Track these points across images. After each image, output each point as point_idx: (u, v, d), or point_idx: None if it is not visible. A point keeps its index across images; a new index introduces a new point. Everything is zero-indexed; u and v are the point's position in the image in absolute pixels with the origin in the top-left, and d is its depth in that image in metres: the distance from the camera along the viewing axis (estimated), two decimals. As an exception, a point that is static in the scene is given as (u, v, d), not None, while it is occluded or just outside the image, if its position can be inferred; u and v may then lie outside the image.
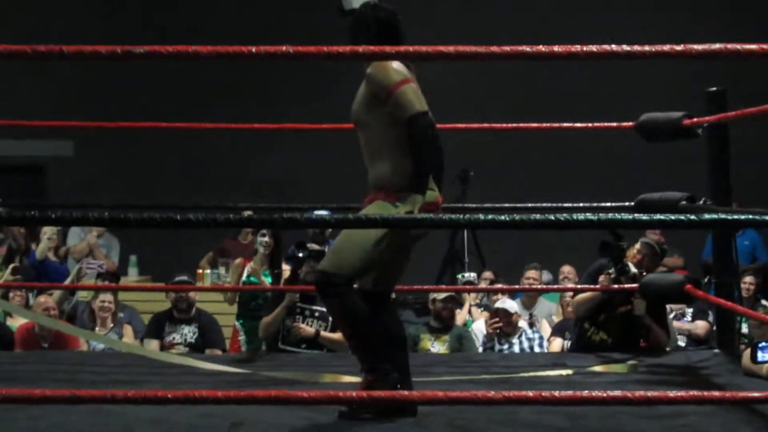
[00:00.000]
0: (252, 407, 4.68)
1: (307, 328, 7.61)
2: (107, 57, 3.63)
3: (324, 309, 7.61)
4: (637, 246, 7.33)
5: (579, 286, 7.41)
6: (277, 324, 7.63)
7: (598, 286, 7.15)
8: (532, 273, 10.06)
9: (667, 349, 7.37)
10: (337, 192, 8.77)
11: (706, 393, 4.26)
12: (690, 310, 9.35)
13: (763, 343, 4.67)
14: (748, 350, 6.04)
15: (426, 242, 11.50)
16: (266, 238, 8.35)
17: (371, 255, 4.73)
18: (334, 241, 4.89)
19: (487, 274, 10.58)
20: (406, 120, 4.74)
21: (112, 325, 8.65)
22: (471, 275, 10.61)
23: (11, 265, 9.63)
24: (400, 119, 4.76)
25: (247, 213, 7.56)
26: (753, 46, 3.63)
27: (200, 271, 11.25)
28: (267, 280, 8.26)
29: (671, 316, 8.66)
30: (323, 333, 7.64)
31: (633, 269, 7.02)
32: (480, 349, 8.65)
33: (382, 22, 5.00)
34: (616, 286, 7.02)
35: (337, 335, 7.63)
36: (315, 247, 7.85)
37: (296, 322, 7.64)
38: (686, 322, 9.27)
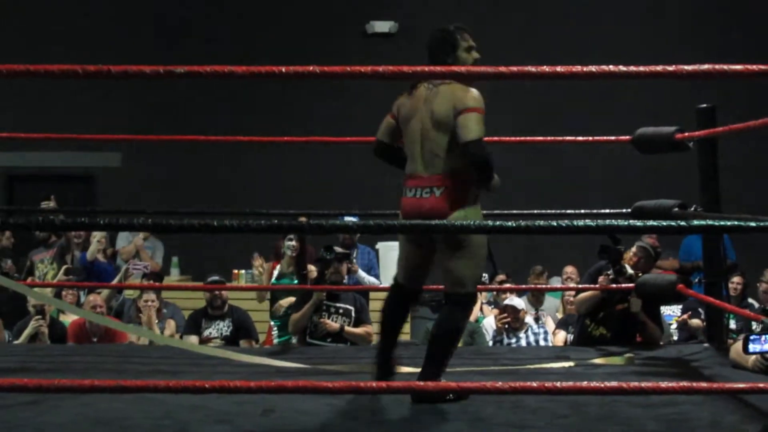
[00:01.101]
0: (284, 395, 4.70)
1: (333, 324, 7.66)
2: (151, 76, 3.64)
3: (347, 306, 7.69)
4: (633, 249, 7.33)
5: (581, 286, 7.40)
6: (306, 320, 7.67)
7: (598, 286, 7.15)
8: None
9: (661, 343, 7.36)
10: (363, 200, 8.82)
11: (695, 384, 4.25)
12: (680, 307, 9.35)
13: (754, 335, 4.63)
14: (736, 344, 6.03)
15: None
16: (293, 242, 8.47)
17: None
18: (455, 262, 4.91)
19: (500, 277, 10.59)
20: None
21: (157, 320, 8.68)
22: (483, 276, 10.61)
23: (64, 266, 9.66)
24: None
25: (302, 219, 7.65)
26: (739, 67, 3.62)
27: (235, 271, 11.28)
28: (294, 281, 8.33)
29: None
30: (347, 328, 7.70)
31: (629, 270, 7.03)
32: (490, 343, 8.67)
33: None
34: (614, 285, 7.02)
35: (359, 330, 7.72)
36: (340, 250, 7.90)
37: (323, 318, 7.67)
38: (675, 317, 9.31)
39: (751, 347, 4.54)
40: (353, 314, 7.77)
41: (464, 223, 4.58)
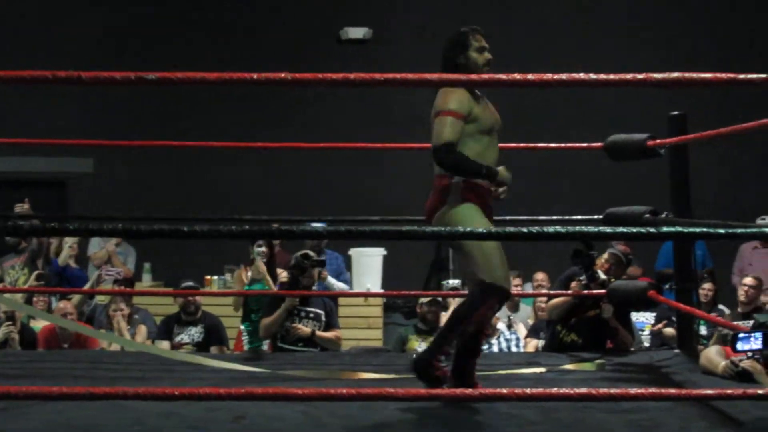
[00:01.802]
0: (254, 402, 4.70)
1: (304, 328, 7.67)
2: (122, 82, 3.65)
3: (317, 310, 7.71)
4: (605, 256, 7.36)
5: (553, 292, 7.43)
6: (278, 325, 7.67)
7: (570, 292, 7.17)
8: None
9: (632, 349, 7.39)
10: (335, 205, 8.85)
11: (664, 390, 4.28)
12: (653, 315, 9.39)
13: (743, 334, 4.65)
14: (706, 350, 6.06)
15: (414, 251, 11.54)
16: (263, 249, 8.48)
17: None
18: (465, 262, 4.95)
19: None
20: None
21: (128, 326, 8.65)
22: (455, 281, 10.63)
23: (35, 272, 9.62)
24: None
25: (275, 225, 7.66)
26: (708, 75, 3.66)
27: (207, 277, 11.26)
28: (273, 285, 8.31)
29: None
30: (318, 332, 7.71)
31: (602, 276, 7.06)
32: (462, 349, 8.66)
33: None
34: (586, 291, 7.04)
35: (330, 334, 7.76)
36: (316, 257, 7.92)
37: (294, 323, 7.68)
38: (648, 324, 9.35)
39: (740, 346, 4.56)
40: (323, 318, 7.80)
41: (418, 229, 4.58)
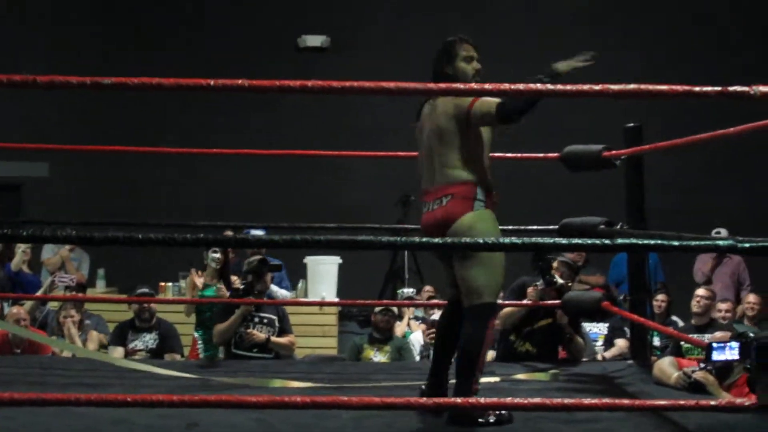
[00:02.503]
0: (207, 409, 4.68)
1: (260, 335, 7.63)
2: (77, 86, 3.61)
3: (271, 316, 7.68)
4: (555, 264, 7.37)
5: (509, 303, 7.42)
6: (232, 331, 7.63)
7: (526, 301, 7.16)
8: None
9: (584, 359, 7.42)
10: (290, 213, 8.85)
11: (618, 401, 4.29)
12: (606, 325, 9.43)
13: (718, 344, 4.63)
14: (659, 361, 6.09)
15: (369, 260, 11.52)
16: (218, 255, 8.43)
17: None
18: (468, 271, 4.83)
19: (428, 288, 10.62)
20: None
21: (79, 332, 8.59)
22: (410, 290, 10.65)
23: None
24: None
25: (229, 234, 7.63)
26: (663, 87, 3.68)
27: (162, 283, 11.20)
28: (226, 293, 8.27)
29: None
30: (273, 338, 7.67)
31: (560, 280, 7.06)
32: (417, 358, 8.67)
33: None
34: (542, 300, 7.04)
35: (284, 340, 7.74)
36: (273, 262, 7.90)
37: (249, 329, 7.64)
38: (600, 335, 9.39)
39: (715, 356, 4.54)
40: (277, 324, 7.77)
41: (407, 240, 4.57)
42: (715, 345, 4.56)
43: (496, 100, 4.83)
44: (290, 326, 7.91)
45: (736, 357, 4.50)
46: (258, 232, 8.70)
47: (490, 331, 4.88)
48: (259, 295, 7.72)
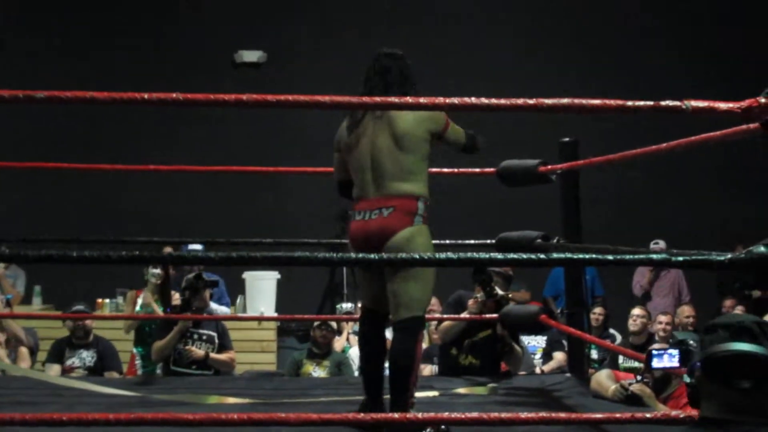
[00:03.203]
0: (146, 428, 4.64)
1: (198, 351, 7.60)
2: (10, 101, 3.58)
3: (210, 332, 7.64)
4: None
5: (449, 317, 7.43)
6: (170, 347, 7.58)
7: (465, 314, 7.16)
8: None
9: (522, 372, 7.43)
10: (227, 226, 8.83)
11: (554, 414, 4.29)
12: (545, 338, 9.47)
13: (657, 351, 4.62)
14: (597, 374, 6.12)
15: (308, 275, 11.50)
16: (158, 271, 8.36)
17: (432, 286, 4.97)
18: (401, 284, 4.85)
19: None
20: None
21: (6, 351, 8.50)
22: (349, 305, 10.65)
23: None
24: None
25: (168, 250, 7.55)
26: (597, 102, 3.70)
27: (99, 300, 11.12)
28: (159, 309, 8.21)
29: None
30: (212, 355, 7.64)
31: (500, 292, 7.07)
32: (356, 373, 8.66)
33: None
34: (482, 313, 7.04)
35: (224, 356, 7.71)
36: (209, 278, 7.83)
37: (187, 345, 7.60)
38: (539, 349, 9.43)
39: (655, 363, 4.54)
40: (216, 340, 7.73)
41: (343, 256, 4.59)
42: (654, 352, 4.55)
43: (463, 130, 5.19)
44: (230, 342, 7.88)
45: (676, 364, 4.51)
46: (196, 247, 8.67)
47: (419, 344, 4.92)
48: (198, 311, 7.67)
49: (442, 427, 4.73)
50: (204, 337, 7.69)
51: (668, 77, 13.20)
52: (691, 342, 6.36)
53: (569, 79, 13.20)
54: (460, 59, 13.89)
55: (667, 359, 4.50)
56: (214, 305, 9.18)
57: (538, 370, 9.10)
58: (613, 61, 13.97)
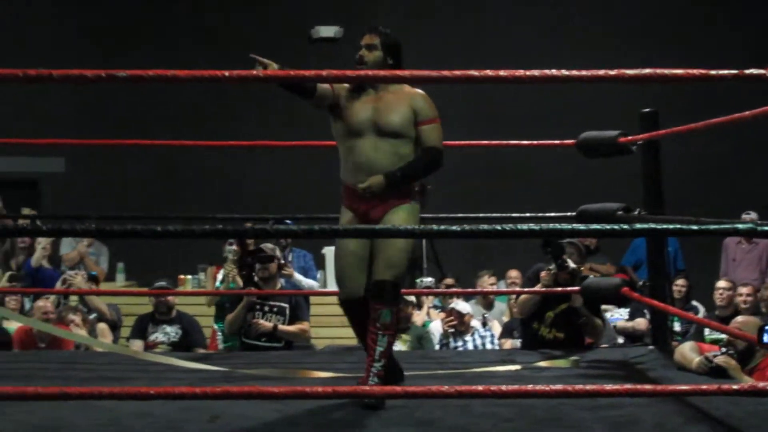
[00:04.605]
0: (228, 401, 4.69)
1: (266, 324, 7.61)
2: (92, 80, 3.62)
3: (281, 304, 7.67)
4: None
5: (526, 290, 7.40)
6: (239, 321, 7.63)
7: (537, 288, 7.13)
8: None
9: (604, 345, 7.39)
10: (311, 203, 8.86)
11: (639, 386, 4.27)
12: (627, 310, 9.39)
13: None
14: (681, 346, 6.07)
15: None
16: (234, 247, 8.41)
17: (408, 258, 5.06)
18: (383, 251, 4.96)
19: (448, 281, 10.63)
20: (428, 148, 5.07)
21: (86, 329, 8.62)
22: (429, 279, 10.64)
23: (8, 273, 9.59)
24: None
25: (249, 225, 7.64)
26: (680, 71, 3.66)
27: (181, 276, 11.23)
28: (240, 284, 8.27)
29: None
30: (280, 326, 7.65)
31: (572, 264, 7.03)
32: (437, 347, 8.67)
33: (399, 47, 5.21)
34: (558, 284, 7.00)
35: (293, 328, 7.70)
36: (267, 253, 7.87)
37: (255, 318, 7.63)
38: (623, 321, 9.33)
39: (767, 338, 4.49)
40: (287, 312, 7.72)
41: (407, 228, 4.59)
42: (766, 327, 4.50)
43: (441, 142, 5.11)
44: (305, 314, 7.86)
45: None
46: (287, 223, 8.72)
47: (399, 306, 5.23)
48: (266, 282, 7.73)
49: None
50: (275, 309, 7.71)
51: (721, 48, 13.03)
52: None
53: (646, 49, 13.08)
54: (537, 31, 13.81)
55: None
56: (298, 276, 9.21)
57: (620, 340, 9.03)
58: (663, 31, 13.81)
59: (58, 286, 9.40)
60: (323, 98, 5.00)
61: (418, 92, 5.10)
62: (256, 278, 7.77)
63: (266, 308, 7.71)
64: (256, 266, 7.77)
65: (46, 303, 8.61)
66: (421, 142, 5.07)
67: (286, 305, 7.73)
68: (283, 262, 8.38)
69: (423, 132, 5.05)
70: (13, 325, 8.57)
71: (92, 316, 9.03)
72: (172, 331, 8.58)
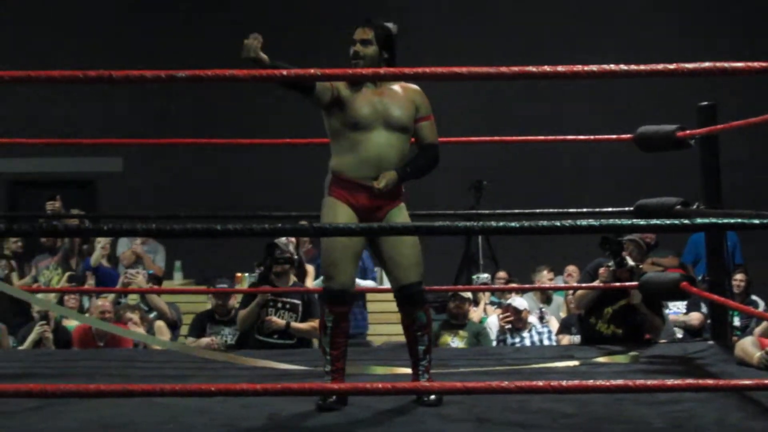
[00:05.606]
0: (289, 399, 4.71)
1: (278, 321, 7.60)
2: (152, 80, 3.66)
3: (294, 301, 7.71)
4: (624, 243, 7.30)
5: (584, 285, 7.38)
6: (253, 317, 7.66)
7: (595, 283, 7.11)
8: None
9: (663, 340, 7.34)
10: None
11: (701, 381, 4.26)
12: (684, 303, 9.33)
13: None
14: (741, 341, 6.02)
15: (444, 246, 11.51)
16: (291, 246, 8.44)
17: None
18: (400, 252, 4.98)
19: (501, 274, 10.63)
20: (430, 145, 5.07)
21: (145, 325, 8.68)
22: (485, 276, 10.63)
23: (67, 273, 9.68)
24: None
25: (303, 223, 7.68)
26: (740, 65, 3.63)
27: (239, 274, 11.27)
28: None
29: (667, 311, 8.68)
30: (293, 324, 7.66)
31: (630, 262, 7.00)
32: (494, 343, 8.67)
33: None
34: (616, 281, 6.97)
35: (305, 325, 7.68)
36: (283, 254, 7.90)
37: (269, 315, 7.64)
38: (680, 314, 9.27)
39: None
40: (300, 309, 7.71)
41: (458, 225, 4.59)
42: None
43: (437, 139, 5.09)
44: (317, 311, 7.77)
45: None
46: None
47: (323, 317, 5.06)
48: (279, 278, 7.77)
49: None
50: (287, 306, 7.70)
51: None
52: None
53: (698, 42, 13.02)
54: (593, 25, 13.76)
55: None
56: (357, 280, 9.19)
57: (679, 335, 8.98)
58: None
59: (119, 284, 9.49)
60: (323, 94, 4.93)
61: (416, 88, 5.07)
62: (273, 274, 7.81)
63: (279, 305, 7.72)
64: (277, 265, 7.79)
65: (104, 302, 8.68)
66: (421, 139, 5.06)
67: (299, 302, 7.71)
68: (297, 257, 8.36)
69: (423, 128, 5.04)
70: (72, 324, 8.66)
71: (152, 315, 9.10)
72: (228, 333, 8.61)
